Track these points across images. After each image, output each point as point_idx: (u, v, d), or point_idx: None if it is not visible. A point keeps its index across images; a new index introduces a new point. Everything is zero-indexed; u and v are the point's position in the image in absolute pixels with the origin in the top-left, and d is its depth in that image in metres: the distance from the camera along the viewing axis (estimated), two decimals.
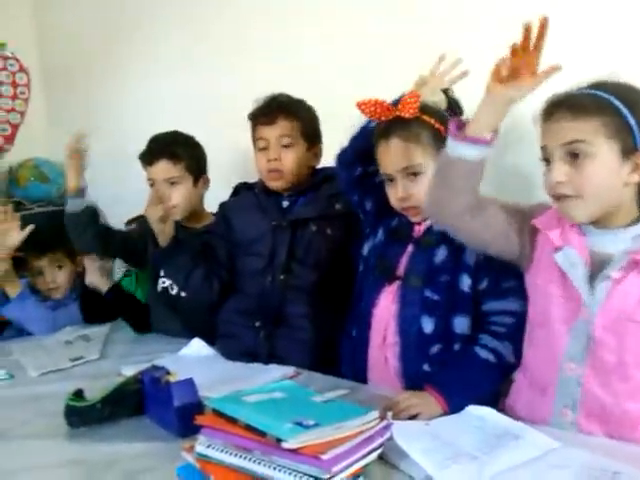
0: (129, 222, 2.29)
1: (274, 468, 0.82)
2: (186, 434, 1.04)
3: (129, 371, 1.40)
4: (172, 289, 1.76)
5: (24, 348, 1.78)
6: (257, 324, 1.53)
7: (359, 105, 1.28)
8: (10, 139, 3.48)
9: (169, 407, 1.08)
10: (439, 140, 1.21)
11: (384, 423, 0.93)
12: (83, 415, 1.14)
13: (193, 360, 1.52)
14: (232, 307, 1.62)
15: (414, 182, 1.26)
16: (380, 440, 0.91)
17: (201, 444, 0.91)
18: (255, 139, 1.59)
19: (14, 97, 3.50)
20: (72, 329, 1.91)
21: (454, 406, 1.12)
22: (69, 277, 2.07)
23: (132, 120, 2.81)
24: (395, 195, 1.28)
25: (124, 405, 1.16)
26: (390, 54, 1.70)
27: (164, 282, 1.79)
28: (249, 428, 0.86)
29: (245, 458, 0.85)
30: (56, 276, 2.04)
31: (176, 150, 1.73)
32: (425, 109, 1.26)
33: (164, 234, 1.62)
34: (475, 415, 1.08)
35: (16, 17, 3.46)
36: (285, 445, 0.80)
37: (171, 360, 1.43)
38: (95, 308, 2.03)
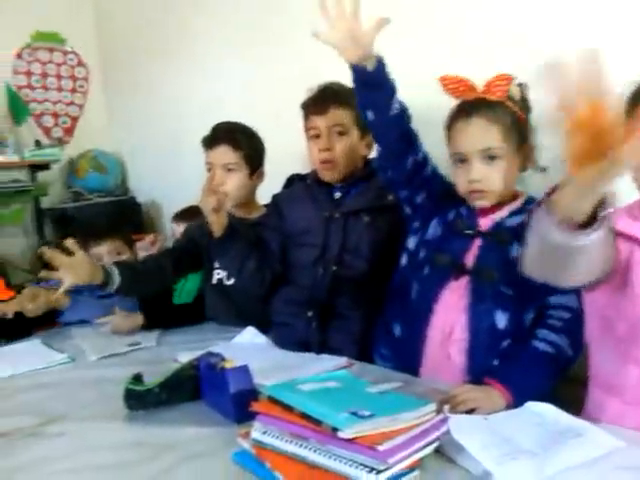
0: (176, 217, 2.34)
1: (329, 457, 0.82)
2: (241, 420, 1.05)
3: (185, 358, 1.42)
4: (228, 280, 1.79)
5: (84, 333, 1.84)
6: (309, 314, 1.53)
7: (442, 80, 1.26)
8: (70, 131, 3.60)
9: (225, 393, 1.09)
10: (519, 128, 1.21)
11: (441, 416, 0.91)
12: (142, 399, 1.17)
13: (246, 348, 1.54)
14: (284, 297, 1.63)
15: (490, 166, 1.23)
16: (437, 433, 0.90)
17: (257, 430, 0.92)
18: (307, 128, 1.58)
19: (73, 91, 3.62)
20: None
21: (519, 399, 1.10)
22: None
23: (189, 112, 2.85)
24: (466, 176, 1.25)
25: (181, 390, 1.19)
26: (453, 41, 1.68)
27: (219, 273, 1.82)
28: (305, 416, 0.86)
29: (301, 446, 0.85)
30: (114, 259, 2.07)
31: (237, 137, 1.76)
32: (508, 94, 1.24)
33: (218, 224, 1.62)
34: (534, 411, 1.05)
35: (76, 13, 3.56)
36: (341, 434, 0.80)
37: (225, 348, 1.45)
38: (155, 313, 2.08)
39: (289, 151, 1.86)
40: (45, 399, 1.33)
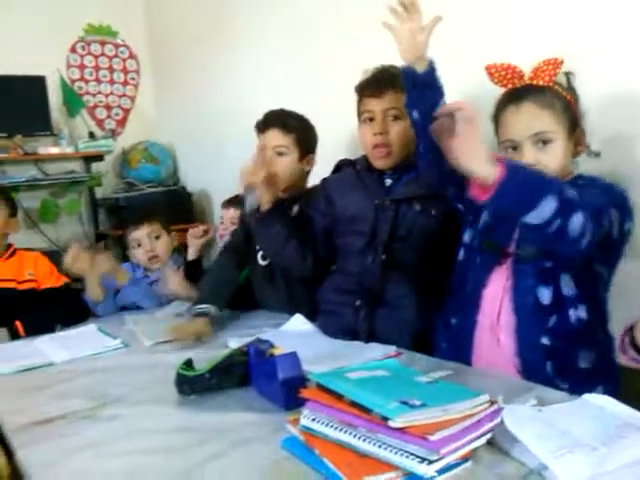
0: (225, 204, 2.36)
1: (379, 446, 0.81)
2: (290, 406, 1.06)
3: (235, 344, 1.44)
4: (263, 260, 1.82)
5: (137, 319, 1.90)
6: (357, 303, 1.52)
7: (488, 69, 1.25)
8: (122, 123, 3.69)
9: (274, 379, 1.09)
10: (570, 112, 1.19)
11: (494, 407, 0.89)
12: (193, 383, 1.19)
13: (294, 335, 1.54)
14: (332, 285, 1.62)
15: (543, 150, 1.20)
16: (490, 424, 0.87)
17: (306, 417, 0.91)
18: (360, 112, 1.55)
19: (125, 83, 3.70)
20: (180, 303, 2.00)
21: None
22: (166, 248, 2.19)
23: (237, 102, 2.87)
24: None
25: (231, 375, 1.20)
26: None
27: (263, 259, 1.83)
28: (354, 405, 0.85)
29: (350, 434, 0.85)
30: (154, 245, 2.16)
31: (289, 122, 1.77)
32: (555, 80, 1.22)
33: (267, 196, 1.61)
34: (593, 404, 1.01)
35: (126, 5, 3.62)
36: (391, 424, 0.79)
37: (273, 335, 1.46)
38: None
39: (337, 138, 1.84)
40: (100, 383, 1.37)
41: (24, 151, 3.10)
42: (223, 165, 3.04)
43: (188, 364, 1.22)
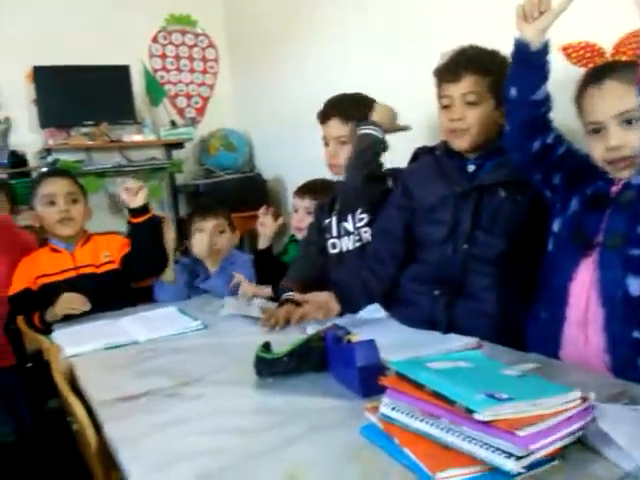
0: (298, 192, 2.35)
1: (463, 439, 0.78)
2: (367, 394, 1.05)
3: (313, 330, 1.44)
4: (334, 248, 1.81)
5: (218, 302, 1.93)
6: (436, 293, 1.48)
7: (565, 49, 1.19)
8: (201, 111, 3.78)
9: (351, 366, 1.08)
10: None
11: (586, 404, 0.84)
12: (271, 366, 1.20)
13: (369, 323, 1.53)
14: (411, 274, 1.58)
15: (629, 130, 1.13)
16: (581, 422, 0.82)
17: (385, 406, 0.90)
18: (439, 96, 1.51)
19: (204, 71, 3.78)
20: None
21: None
22: (227, 245, 2.16)
23: (313, 89, 2.86)
24: (605, 144, 1.16)
25: (308, 360, 1.20)
26: None
27: (334, 245, 1.82)
28: (436, 395, 0.83)
29: (432, 425, 0.82)
30: (217, 240, 2.13)
31: (347, 110, 1.74)
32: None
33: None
34: None
35: None
36: (477, 417, 0.76)
37: (348, 322, 1.45)
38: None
39: (416, 123, 1.80)
40: (182, 362, 1.41)
41: (110, 139, 3.23)
42: (298, 152, 3.05)
43: (266, 347, 1.23)
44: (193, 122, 3.64)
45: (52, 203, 1.95)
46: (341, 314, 1.54)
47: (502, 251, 1.43)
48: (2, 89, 3.19)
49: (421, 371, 0.90)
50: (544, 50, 1.17)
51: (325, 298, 1.55)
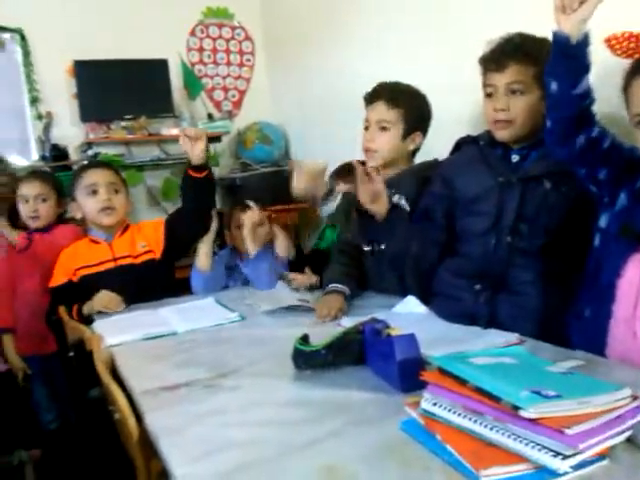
0: (335, 174, 2.33)
1: (508, 436, 0.76)
2: (407, 389, 1.04)
3: (347, 323, 1.44)
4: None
5: (256, 295, 1.94)
6: (477, 287, 1.45)
7: (608, 41, 1.14)
8: (238, 104, 3.79)
9: (390, 360, 1.07)
10: None
11: (637, 402, 0.81)
12: (309, 359, 1.20)
13: (407, 317, 1.51)
14: (450, 268, 1.56)
15: None
16: (632, 421, 0.80)
17: (427, 401, 0.89)
18: (484, 85, 1.48)
19: (241, 65, 3.79)
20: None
21: None
22: (266, 237, 2.15)
23: (351, 83, 2.83)
24: None
25: (346, 353, 1.19)
26: None
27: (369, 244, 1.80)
28: (480, 391, 0.81)
29: (475, 421, 0.81)
30: (259, 230, 2.11)
31: (396, 95, 1.72)
32: None
33: (379, 211, 1.56)
34: None
35: None
36: (523, 414, 0.74)
37: (387, 316, 1.43)
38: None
39: (459, 113, 1.77)
40: (220, 354, 1.41)
41: (148, 132, 3.26)
42: (334, 146, 3.03)
43: (305, 339, 1.23)
44: (230, 115, 3.66)
45: (94, 193, 1.98)
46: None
47: (546, 244, 1.40)
48: (44, 84, 3.26)
49: (464, 367, 0.88)
50: (584, 42, 1.12)
51: (380, 189, 1.52)
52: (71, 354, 1.65)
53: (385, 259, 1.73)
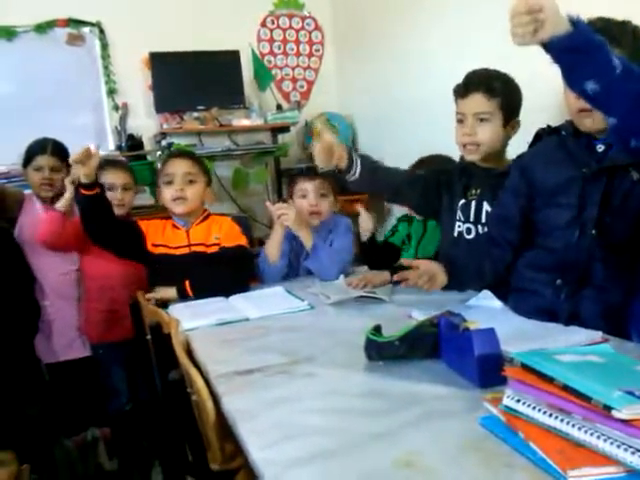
0: (416, 165, 2.29)
1: (598, 437, 0.73)
2: (485, 384, 1.01)
3: (419, 315, 1.42)
4: (468, 233, 1.74)
5: (321, 285, 1.94)
6: (558, 282, 1.40)
7: None
8: (306, 95, 3.80)
9: (468, 354, 1.05)
10: None
11: None
12: (381, 350, 1.19)
13: (483, 311, 1.47)
14: (529, 262, 1.51)
15: None
16: None
17: (509, 398, 0.86)
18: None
19: (310, 55, 3.80)
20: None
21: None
22: (329, 208, 2.13)
23: (420, 74, 2.80)
24: None
25: (420, 346, 1.17)
26: None
27: (459, 226, 1.77)
28: (568, 389, 0.78)
29: (562, 420, 0.78)
30: (320, 201, 2.11)
31: (493, 84, 1.65)
32: None
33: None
34: None
35: None
36: (616, 414, 0.70)
37: (461, 309, 1.40)
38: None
39: (540, 103, 1.70)
40: (291, 341, 1.43)
41: (219, 123, 3.32)
42: (401, 137, 3.00)
43: (377, 330, 1.22)
44: (298, 106, 3.68)
45: (170, 183, 2.04)
46: (445, 288, 1.56)
47: (631, 238, 1.33)
48: (121, 76, 3.37)
49: (550, 364, 0.85)
50: (579, 25, 1.03)
51: (435, 269, 1.53)
52: (148, 337, 1.71)
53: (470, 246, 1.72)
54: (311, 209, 2.10)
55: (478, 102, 1.65)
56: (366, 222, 2.22)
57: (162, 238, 2.05)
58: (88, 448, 2.47)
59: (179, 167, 2.05)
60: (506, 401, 0.86)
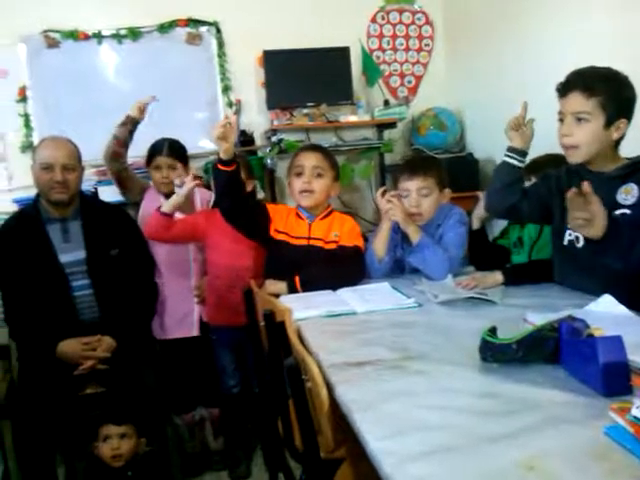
0: (530, 169, 2.22)
1: None
2: (610, 393, 0.98)
3: (534, 318, 1.38)
4: (577, 242, 1.67)
5: (428, 283, 1.93)
6: None
7: None
8: (413, 90, 3.77)
9: (592, 362, 1.01)
10: None
11: None
12: (497, 352, 1.17)
13: (604, 317, 1.40)
14: None
15: None
16: None
17: (638, 408, 0.83)
18: None
19: (419, 50, 3.76)
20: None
21: None
22: (432, 208, 2.08)
23: (536, 70, 2.69)
24: None
25: (539, 350, 1.15)
26: None
27: (570, 234, 1.70)
28: None
29: None
30: (422, 201, 2.07)
31: (593, 83, 1.57)
32: None
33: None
34: None
35: None
36: None
37: (582, 314, 1.35)
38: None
39: None
40: (400, 337, 1.44)
41: (327, 119, 3.37)
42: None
43: (493, 332, 1.20)
44: (406, 101, 3.66)
45: (300, 174, 2.11)
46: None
47: None
48: (235, 73, 3.50)
49: None
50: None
51: (600, 214, 1.48)
52: (262, 324, 1.78)
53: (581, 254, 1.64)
54: (411, 210, 2.07)
55: (576, 101, 1.58)
56: (480, 209, 2.16)
57: (285, 225, 2.12)
58: (195, 426, 2.62)
59: (309, 160, 2.12)
60: (635, 412, 0.83)
